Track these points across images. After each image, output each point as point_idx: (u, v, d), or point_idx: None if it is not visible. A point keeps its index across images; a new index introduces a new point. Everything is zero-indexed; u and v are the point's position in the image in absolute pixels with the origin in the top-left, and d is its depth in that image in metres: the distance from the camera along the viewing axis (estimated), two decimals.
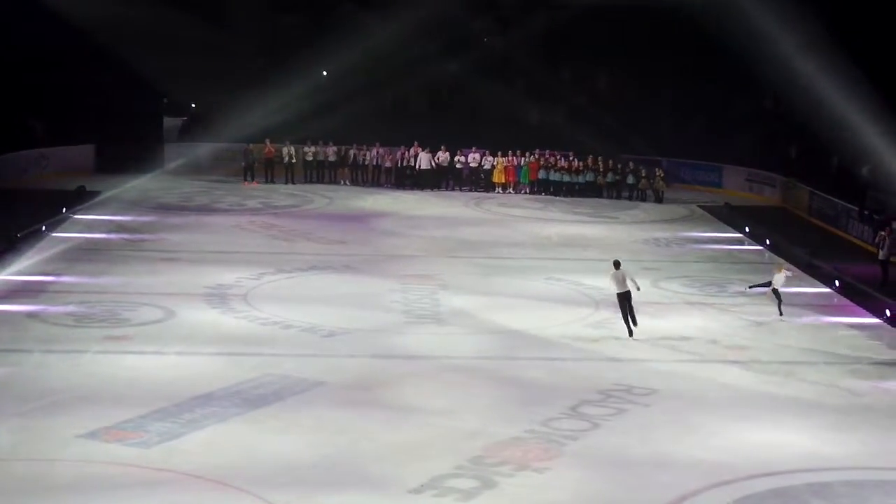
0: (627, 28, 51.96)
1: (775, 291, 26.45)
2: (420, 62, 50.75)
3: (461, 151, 45.38)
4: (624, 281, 23.88)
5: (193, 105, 54.43)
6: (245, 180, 44.87)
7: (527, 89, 51.04)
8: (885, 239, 29.88)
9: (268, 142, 45.51)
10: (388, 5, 50.89)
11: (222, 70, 48.45)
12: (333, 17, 54.53)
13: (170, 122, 53.28)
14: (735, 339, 24.39)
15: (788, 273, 26.87)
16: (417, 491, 16.06)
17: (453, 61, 52.20)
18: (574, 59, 52.11)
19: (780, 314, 26.26)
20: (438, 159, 44.95)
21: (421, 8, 48.60)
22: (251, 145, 45.62)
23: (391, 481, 16.39)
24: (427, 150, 44.96)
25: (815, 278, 30.41)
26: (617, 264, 24.37)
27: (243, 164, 45.30)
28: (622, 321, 24.00)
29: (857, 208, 36.62)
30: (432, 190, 44.58)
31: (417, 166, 44.84)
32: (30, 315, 24.62)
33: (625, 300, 23.86)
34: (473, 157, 45.25)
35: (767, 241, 34.64)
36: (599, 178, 44.42)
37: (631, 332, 23.88)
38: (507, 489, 16.29)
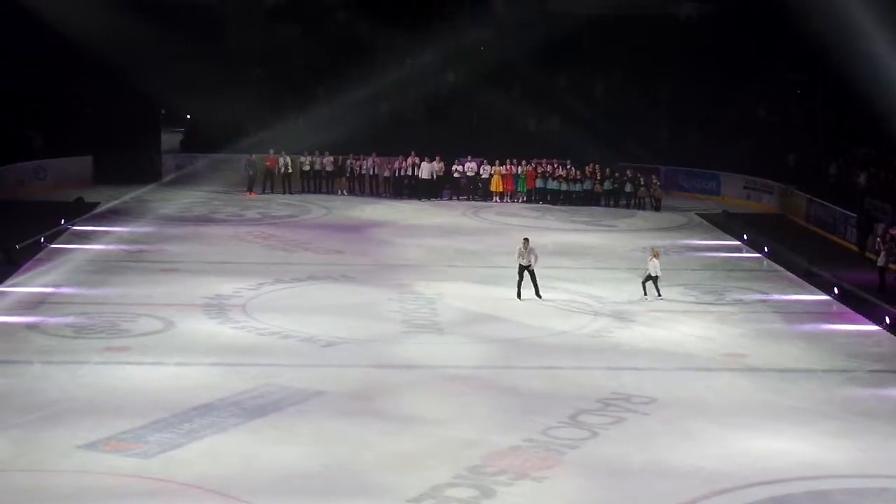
0: (625, 37, 52.06)
1: (654, 278, 27.89)
2: (417, 71, 50.86)
3: (458, 160, 45.40)
4: (528, 255, 27.65)
5: (189, 116, 54.51)
6: (249, 191, 44.85)
7: (524, 98, 51.12)
8: (881, 245, 29.94)
9: (271, 152, 45.54)
10: (385, 15, 51.01)
11: (219, 81, 48.45)
12: (329, 27, 54.64)
13: (170, 135, 53.35)
14: (734, 347, 24.39)
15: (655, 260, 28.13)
16: (416, 500, 16.05)
17: (450, 71, 52.28)
18: (571, 67, 52.16)
19: (659, 294, 27.94)
20: (433, 168, 44.91)
21: (418, 18, 48.78)
22: (254, 156, 45.63)
23: (390, 491, 16.39)
24: (427, 159, 44.97)
25: (814, 286, 30.40)
26: (526, 241, 27.96)
27: (250, 173, 45.23)
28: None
29: (855, 215, 36.65)
30: (430, 199, 44.60)
31: (419, 175, 44.84)
32: (29, 326, 24.63)
33: (525, 270, 27.71)
34: (470, 167, 45.28)
35: (766, 249, 34.64)
36: (597, 186, 44.44)
37: (519, 295, 27.80)
38: (505, 498, 16.28)
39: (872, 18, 38.17)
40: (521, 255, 27.92)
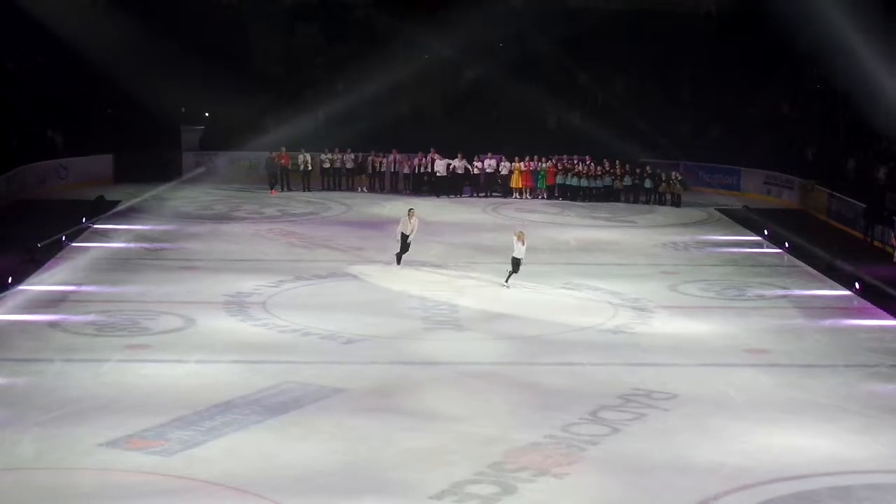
0: (646, 33, 51.91)
1: (516, 260, 28.32)
2: (437, 67, 50.81)
3: (478, 157, 45.32)
4: (410, 226, 30.39)
5: (208, 114, 54.61)
6: (271, 188, 44.87)
7: (545, 94, 50.99)
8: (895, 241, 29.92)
9: (283, 150, 45.55)
10: (404, 11, 50.99)
11: (239, 78, 48.53)
12: (349, 23, 54.66)
13: (190, 133, 53.46)
14: (755, 343, 24.33)
15: (521, 244, 28.57)
16: (437, 497, 16.06)
17: (470, 66, 52.20)
18: (592, 63, 52.03)
19: (507, 280, 28.54)
20: (452, 166, 44.83)
21: (437, 13, 48.74)
22: (274, 154, 45.68)
23: (411, 487, 16.41)
24: (442, 156, 44.88)
25: (835, 281, 30.28)
26: (411, 212, 30.76)
27: (275, 170, 45.25)
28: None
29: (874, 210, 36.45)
30: (449, 196, 44.58)
31: (436, 172, 44.78)
32: (51, 325, 24.73)
33: (407, 240, 30.57)
34: (489, 164, 45.20)
35: (787, 244, 34.50)
36: (617, 182, 44.34)
37: (399, 261, 30.72)
38: (526, 495, 16.29)
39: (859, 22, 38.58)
40: (404, 225, 30.52)
